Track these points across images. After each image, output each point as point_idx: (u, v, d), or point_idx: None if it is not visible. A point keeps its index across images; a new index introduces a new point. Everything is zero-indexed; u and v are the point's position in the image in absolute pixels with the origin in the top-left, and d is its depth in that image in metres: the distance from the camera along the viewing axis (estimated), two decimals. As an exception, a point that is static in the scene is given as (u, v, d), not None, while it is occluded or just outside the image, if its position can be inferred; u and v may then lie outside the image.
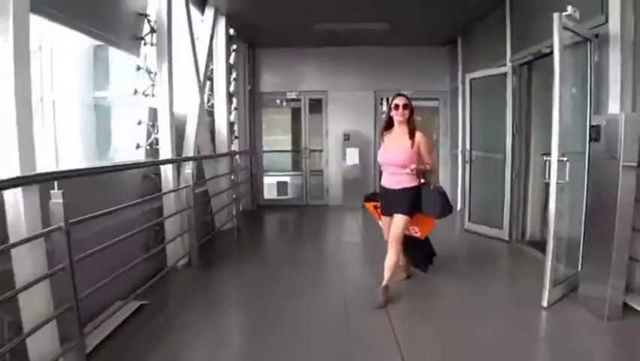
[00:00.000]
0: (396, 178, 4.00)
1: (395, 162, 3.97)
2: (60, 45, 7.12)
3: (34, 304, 2.62)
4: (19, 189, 2.44)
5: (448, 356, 3.01)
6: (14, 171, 2.45)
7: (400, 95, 4.09)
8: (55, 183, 2.51)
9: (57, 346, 2.75)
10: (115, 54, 7.38)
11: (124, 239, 3.52)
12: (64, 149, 7.01)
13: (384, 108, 9.44)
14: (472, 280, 4.68)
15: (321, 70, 9.32)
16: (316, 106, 9.64)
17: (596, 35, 4.12)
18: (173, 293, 4.31)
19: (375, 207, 4.52)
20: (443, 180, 9.05)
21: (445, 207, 4.04)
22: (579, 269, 4.04)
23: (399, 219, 3.96)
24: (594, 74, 4.17)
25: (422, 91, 9.09)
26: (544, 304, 3.77)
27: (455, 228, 7.05)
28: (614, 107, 3.87)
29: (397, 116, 4.00)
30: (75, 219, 2.60)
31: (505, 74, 5.87)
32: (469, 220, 6.66)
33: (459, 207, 7.53)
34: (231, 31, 7.72)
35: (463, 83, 6.98)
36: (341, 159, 9.22)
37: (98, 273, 3.11)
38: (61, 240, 2.53)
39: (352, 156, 9.00)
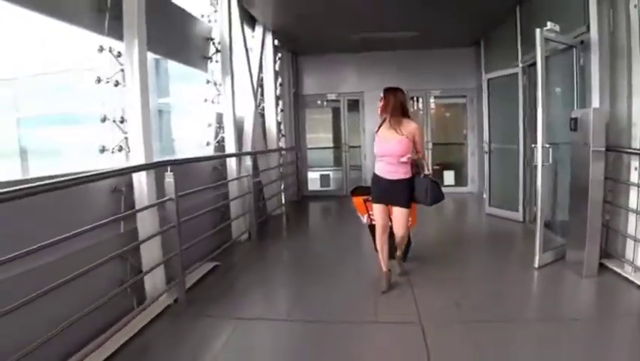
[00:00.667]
0: (392, 169, 4.01)
1: (392, 152, 3.98)
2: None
3: (151, 253, 3.84)
4: (144, 172, 3.66)
5: (453, 301, 3.90)
6: (140, 160, 3.69)
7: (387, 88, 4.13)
8: (169, 167, 3.73)
9: (164, 283, 3.97)
10: (173, 66, 8.52)
11: (203, 215, 4.74)
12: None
13: (417, 107, 10.44)
14: (483, 252, 5.65)
15: (358, 73, 10.34)
16: (354, 106, 10.68)
17: (581, 42, 4.96)
18: (237, 259, 5.50)
19: (366, 200, 4.66)
20: (471, 170, 9.91)
21: (437, 195, 4.08)
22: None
23: (402, 213, 4.08)
24: (579, 75, 5.02)
25: (451, 89, 10.02)
26: (536, 265, 4.66)
27: (478, 212, 7.95)
28: (595, 102, 4.70)
29: (379, 108, 4.10)
30: (181, 193, 3.82)
31: (516, 74, 6.71)
32: (490, 205, 7.53)
33: (484, 195, 8.36)
34: (276, 42, 8.88)
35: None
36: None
37: (185, 239, 4.30)
38: (172, 207, 3.75)
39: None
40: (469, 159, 10.08)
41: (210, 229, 5.09)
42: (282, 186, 8.23)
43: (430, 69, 9.89)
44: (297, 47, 10.05)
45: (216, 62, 6.09)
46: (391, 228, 4.31)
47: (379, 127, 4.19)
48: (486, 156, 7.60)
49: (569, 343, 3.19)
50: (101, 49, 3.74)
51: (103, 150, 3.75)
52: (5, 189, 2.26)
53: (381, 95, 4.08)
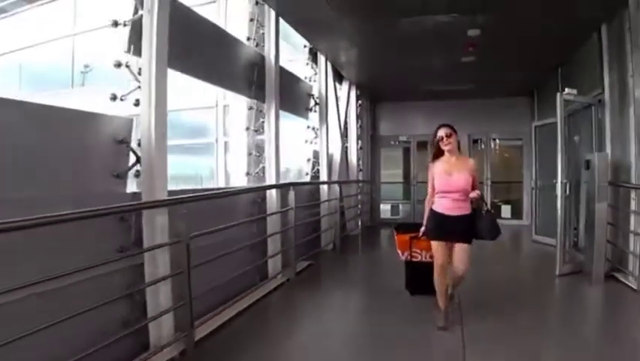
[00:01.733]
0: (457, 205, 4.03)
1: (458, 188, 3.99)
2: (229, 102, 10.44)
3: (274, 245, 5.76)
4: (274, 190, 5.67)
5: (484, 291, 5.44)
6: (272, 181, 5.72)
7: (443, 125, 4.16)
8: (291, 187, 5.71)
9: (280, 267, 5.85)
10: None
11: (305, 224, 6.66)
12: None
13: (481, 147, 11.96)
14: (519, 264, 7.12)
15: (427, 118, 12.01)
16: (423, 146, 12.36)
17: (599, 101, 6.43)
18: (325, 261, 7.33)
19: (412, 238, 4.83)
20: (527, 205, 11.20)
21: (497, 230, 4.12)
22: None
23: (465, 250, 4.07)
24: (597, 126, 6.47)
25: (508, 132, 11.45)
26: (557, 273, 6.07)
27: (526, 240, 9.29)
28: (608, 148, 6.13)
29: (446, 146, 4.07)
30: (298, 205, 5.80)
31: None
32: (536, 233, 8.86)
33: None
34: (358, 92, 10.91)
35: (533, 129, 9.24)
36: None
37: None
38: (292, 214, 5.78)
39: (451, 185, 11.56)
40: (525, 196, 11.37)
41: (308, 236, 6.98)
42: (359, 212, 10.05)
43: (490, 115, 11.40)
44: (374, 96, 12.05)
45: (314, 111, 8.16)
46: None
47: (433, 161, 4.25)
48: (533, 192, 8.98)
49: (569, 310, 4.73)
50: (251, 107, 5.88)
51: (247, 173, 5.83)
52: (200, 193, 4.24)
53: (437, 132, 4.14)
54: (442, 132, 4.09)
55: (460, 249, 4.07)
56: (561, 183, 6.12)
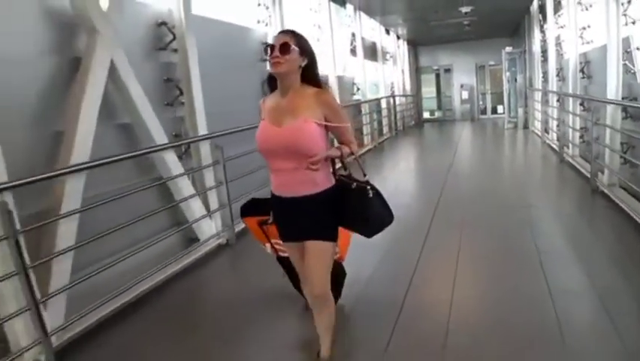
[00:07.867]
0: (294, 178, 2.24)
1: (288, 146, 2.18)
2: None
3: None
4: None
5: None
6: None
7: (280, 32, 2.29)
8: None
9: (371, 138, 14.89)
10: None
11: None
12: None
13: (484, 70, 20.75)
14: (496, 127, 16.28)
15: (450, 53, 20.97)
16: (448, 72, 21.10)
17: (524, 51, 15.15)
18: (389, 142, 16.36)
19: (261, 223, 2.97)
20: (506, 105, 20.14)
21: (382, 217, 2.39)
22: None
23: (322, 251, 2.34)
24: (523, 63, 15.32)
25: (499, 60, 19.87)
26: (505, 128, 15.18)
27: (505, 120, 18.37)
28: (527, 73, 14.96)
29: (273, 66, 2.16)
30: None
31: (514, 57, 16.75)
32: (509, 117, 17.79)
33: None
34: (405, 42, 19.53)
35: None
36: (460, 97, 20.65)
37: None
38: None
39: (465, 95, 20.38)
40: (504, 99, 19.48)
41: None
42: (412, 113, 19.12)
43: (488, 49, 19.76)
44: (416, 43, 20.68)
45: (388, 59, 16.94)
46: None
47: (266, 104, 2.37)
48: (505, 96, 17.60)
49: (502, 135, 14.58)
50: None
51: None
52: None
53: (279, 39, 2.18)
54: (274, 40, 2.21)
55: (309, 251, 2.35)
56: (506, 90, 15.06)
